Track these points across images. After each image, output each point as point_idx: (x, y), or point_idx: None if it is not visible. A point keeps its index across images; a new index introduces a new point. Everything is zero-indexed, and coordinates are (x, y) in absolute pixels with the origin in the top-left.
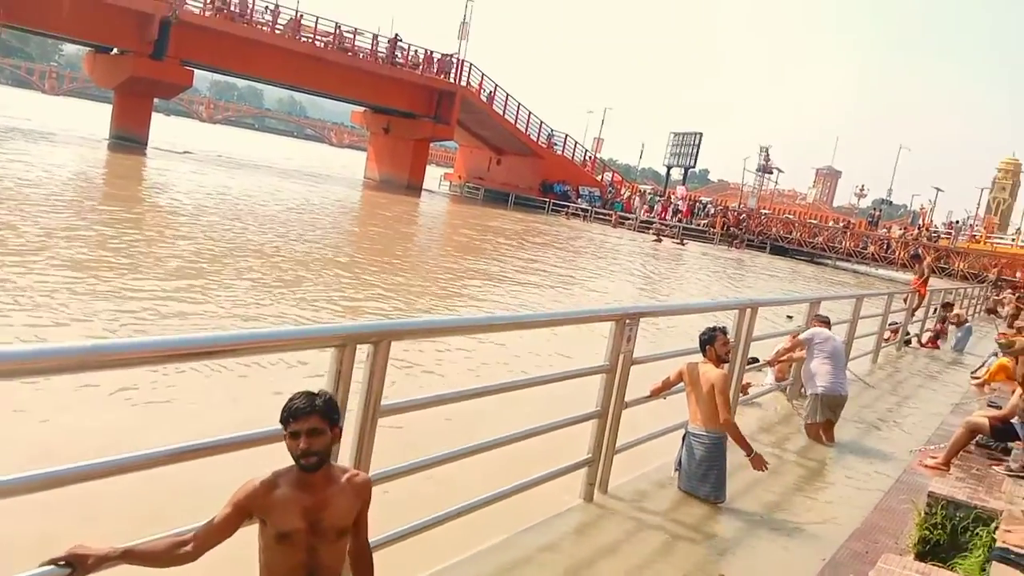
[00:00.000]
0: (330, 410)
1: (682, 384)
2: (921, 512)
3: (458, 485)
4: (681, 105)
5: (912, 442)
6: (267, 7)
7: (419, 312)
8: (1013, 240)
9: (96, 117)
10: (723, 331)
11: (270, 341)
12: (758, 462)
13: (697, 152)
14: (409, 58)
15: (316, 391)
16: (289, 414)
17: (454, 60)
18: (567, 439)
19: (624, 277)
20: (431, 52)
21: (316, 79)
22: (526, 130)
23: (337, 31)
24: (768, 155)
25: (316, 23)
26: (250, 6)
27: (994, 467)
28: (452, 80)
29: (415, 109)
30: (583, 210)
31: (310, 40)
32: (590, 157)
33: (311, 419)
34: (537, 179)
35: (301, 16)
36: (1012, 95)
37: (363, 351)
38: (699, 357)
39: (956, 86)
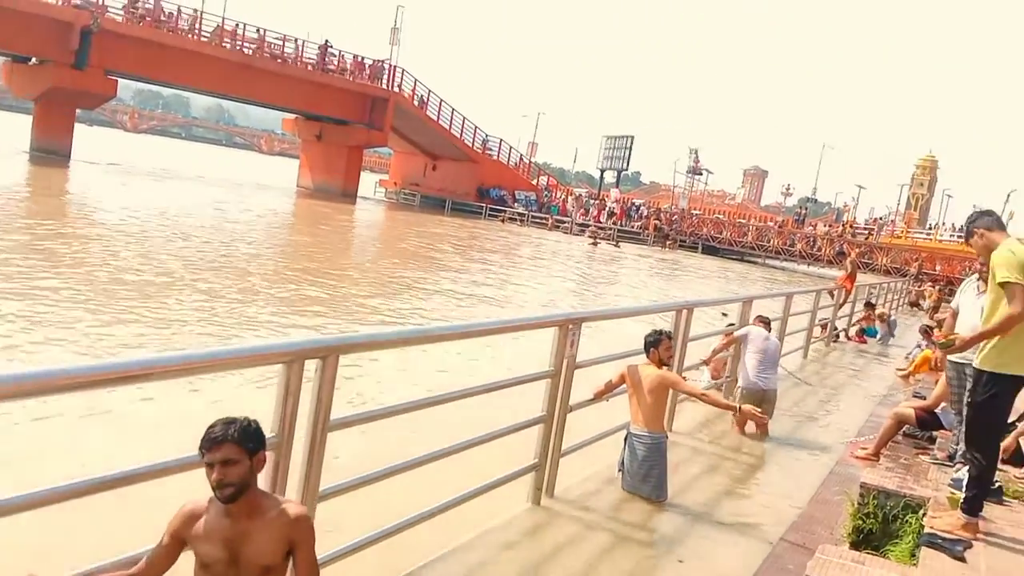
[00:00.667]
0: (246, 438)
1: (624, 386)
2: (854, 502)
3: (407, 496)
4: (613, 109)
5: (843, 434)
6: (172, 13)
7: (367, 324)
8: (929, 235)
9: (15, 129)
10: (668, 335)
11: (218, 360)
12: (750, 415)
13: (629, 155)
14: (340, 64)
15: (236, 418)
16: (203, 443)
17: (386, 66)
18: (514, 444)
19: (564, 281)
20: (362, 58)
21: (245, 87)
22: (461, 135)
23: (261, 36)
24: (697, 157)
25: (244, 30)
26: (175, 14)
27: (921, 456)
28: (385, 86)
29: (348, 116)
30: (520, 214)
31: (237, 47)
32: (525, 161)
33: (223, 448)
34: (473, 184)
35: (236, 26)
36: (931, 93)
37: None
38: (638, 359)
39: (877, 85)
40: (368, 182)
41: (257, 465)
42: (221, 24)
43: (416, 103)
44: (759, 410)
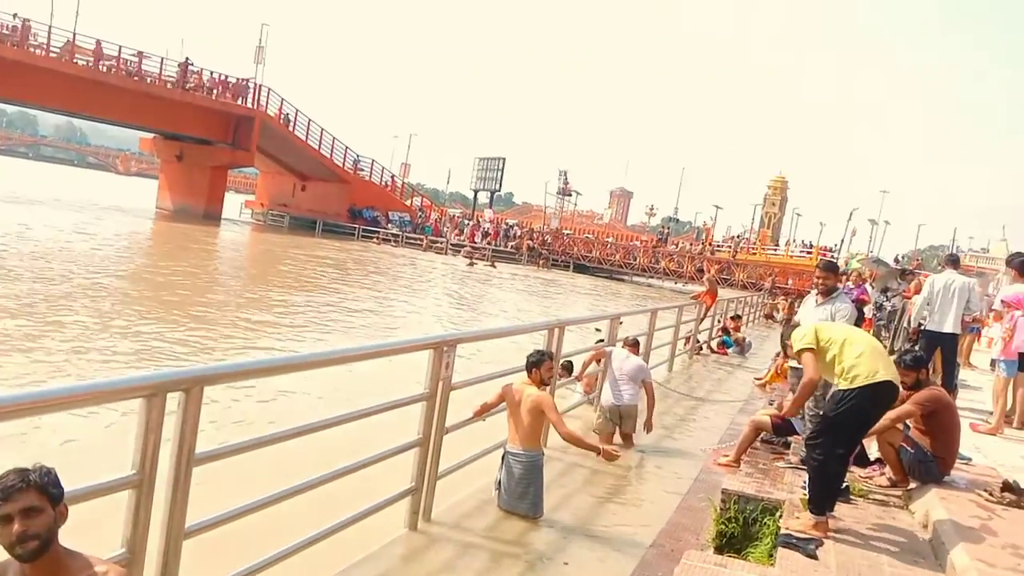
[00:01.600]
0: (48, 484)
1: (504, 404)
2: (717, 508)
3: (280, 528)
4: (485, 131)
5: (706, 442)
6: (14, 27)
7: (235, 354)
8: (775, 250)
9: None
10: (551, 356)
11: (73, 396)
12: (607, 455)
13: (502, 176)
14: (199, 81)
15: (30, 466)
16: None
17: (251, 84)
18: (391, 469)
19: (442, 301)
20: (226, 76)
21: (98, 105)
22: (331, 155)
23: (99, 49)
24: (567, 179)
25: (99, 46)
26: (18, 27)
27: (777, 461)
28: (250, 105)
29: (211, 135)
30: (394, 235)
31: (90, 63)
32: (398, 182)
33: (26, 496)
34: (345, 205)
35: (98, 44)
36: (780, 118)
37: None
38: (516, 377)
39: (731, 111)
40: (233, 203)
41: (59, 518)
42: (72, 39)
43: (283, 122)
44: (617, 452)
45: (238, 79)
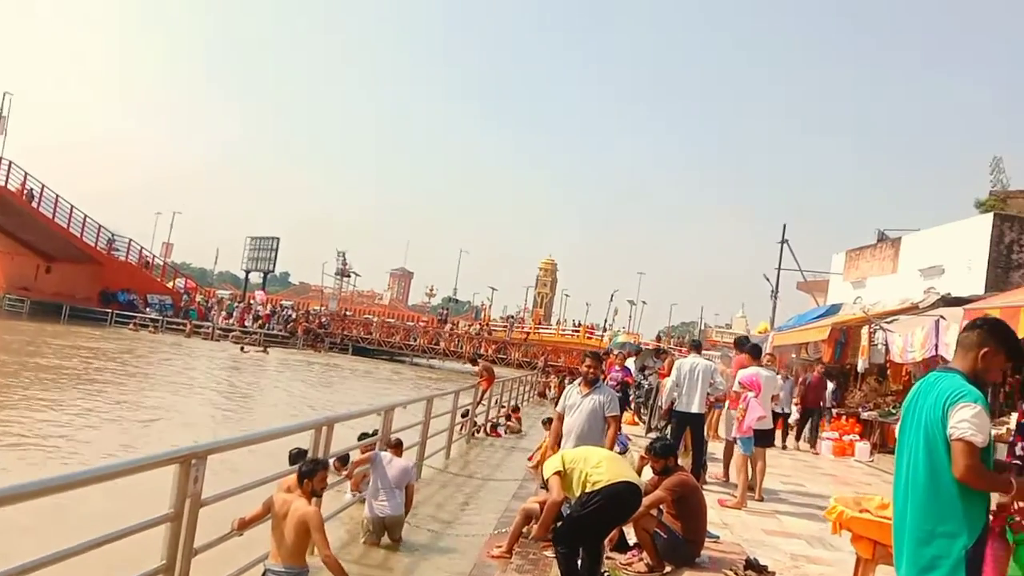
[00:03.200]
0: None
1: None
2: None
3: None
4: (259, 209)
5: (482, 530)
6: None
7: None
8: (541, 328)
9: None
10: (325, 466)
11: None
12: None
13: (276, 256)
14: None
15: None
16: None
17: None
18: None
19: (203, 398)
20: None
21: None
22: (81, 234)
23: None
24: (345, 259)
25: None
26: None
27: (546, 550)
28: None
29: None
30: (153, 320)
31: None
32: (159, 262)
33: None
34: (96, 288)
35: None
36: (546, 202)
37: None
38: (281, 482)
39: (503, 193)
40: None
41: None
42: None
43: (26, 198)
44: None
45: None
